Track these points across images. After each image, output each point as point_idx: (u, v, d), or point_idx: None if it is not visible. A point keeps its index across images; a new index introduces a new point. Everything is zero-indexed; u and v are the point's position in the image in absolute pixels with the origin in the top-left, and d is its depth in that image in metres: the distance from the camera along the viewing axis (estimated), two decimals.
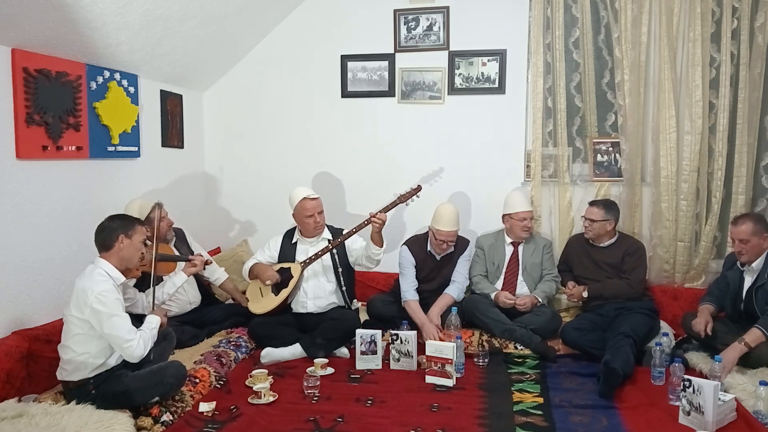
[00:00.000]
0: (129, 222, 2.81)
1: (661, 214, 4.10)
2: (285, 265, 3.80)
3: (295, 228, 3.93)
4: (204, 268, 3.46)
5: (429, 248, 3.98)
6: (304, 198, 3.76)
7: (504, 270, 4.01)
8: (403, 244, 4.05)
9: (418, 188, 3.84)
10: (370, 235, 3.66)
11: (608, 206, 3.88)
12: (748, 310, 3.34)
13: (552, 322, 3.75)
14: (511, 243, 4.04)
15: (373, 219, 3.61)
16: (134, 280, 3.23)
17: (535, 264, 4.01)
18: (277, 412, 2.90)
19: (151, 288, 3.01)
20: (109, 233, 2.74)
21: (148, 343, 2.70)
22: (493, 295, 3.88)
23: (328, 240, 3.82)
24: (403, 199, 3.80)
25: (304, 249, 3.84)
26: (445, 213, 3.86)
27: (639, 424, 2.76)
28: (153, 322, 2.80)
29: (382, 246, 3.68)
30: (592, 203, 3.94)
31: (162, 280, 3.31)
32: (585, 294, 3.80)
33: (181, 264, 3.38)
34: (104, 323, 2.58)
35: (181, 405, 2.84)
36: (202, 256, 3.53)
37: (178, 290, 3.35)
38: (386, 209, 3.72)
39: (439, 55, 4.44)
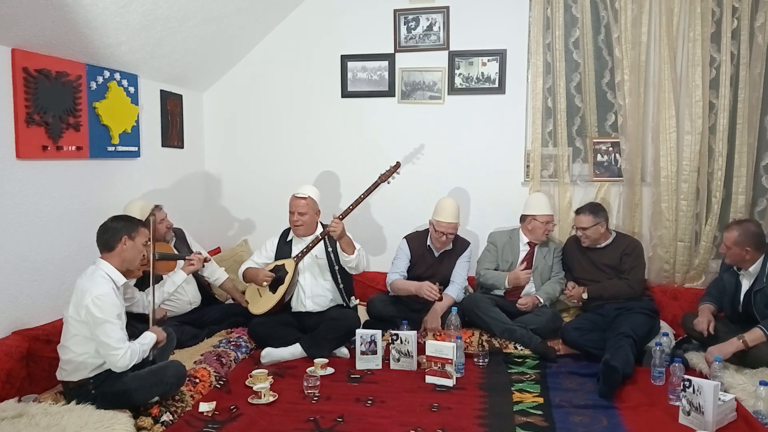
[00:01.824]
0: (132, 224, 2.80)
1: (661, 214, 4.10)
2: (279, 262, 3.81)
3: (290, 227, 3.94)
4: (203, 266, 3.44)
5: (428, 243, 4.01)
6: (293, 194, 3.80)
7: (517, 268, 4.01)
8: (404, 237, 4.13)
9: (397, 165, 3.92)
10: (339, 244, 3.66)
11: (594, 210, 3.86)
12: (747, 313, 3.34)
13: (552, 323, 3.76)
14: (528, 243, 4.05)
15: (328, 227, 3.60)
16: (135, 280, 3.23)
17: (546, 266, 4.02)
18: (277, 412, 2.90)
19: (151, 287, 3.00)
20: (113, 234, 2.73)
21: (136, 357, 2.65)
22: (507, 280, 3.89)
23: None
24: (384, 177, 3.88)
25: (299, 248, 3.84)
26: (447, 205, 3.92)
27: (639, 424, 2.76)
28: (147, 339, 2.76)
29: (352, 253, 3.66)
30: (578, 212, 3.92)
31: (162, 278, 3.31)
32: (585, 295, 3.80)
33: (181, 263, 3.38)
34: (97, 327, 2.57)
35: (181, 405, 2.84)
36: (200, 254, 3.51)
37: (178, 290, 3.35)
38: (369, 191, 3.81)
39: (439, 55, 4.45)
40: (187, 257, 3.35)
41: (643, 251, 3.96)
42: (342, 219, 3.61)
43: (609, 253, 3.87)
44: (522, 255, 4.04)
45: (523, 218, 4.07)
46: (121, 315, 2.69)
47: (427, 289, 3.76)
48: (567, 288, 3.92)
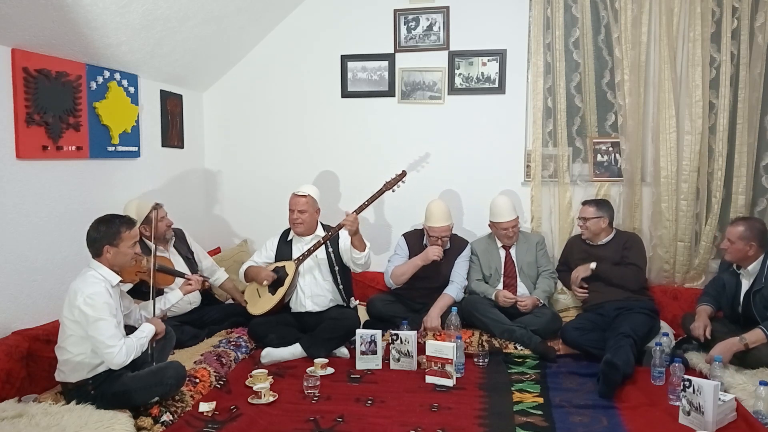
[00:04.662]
0: (114, 230, 2.70)
1: (661, 214, 4.10)
2: (279, 264, 3.81)
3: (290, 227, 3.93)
4: (202, 287, 3.35)
5: (425, 242, 4.03)
6: (293, 193, 3.80)
7: (502, 273, 4.02)
8: (402, 235, 4.16)
9: (403, 174, 3.89)
10: (350, 240, 3.65)
11: (600, 204, 3.91)
12: (747, 314, 3.33)
13: (552, 324, 3.75)
14: (502, 247, 4.06)
15: (343, 221, 3.59)
16: (130, 286, 3.20)
17: (530, 263, 4.03)
18: (277, 412, 2.90)
19: (152, 300, 2.96)
20: (94, 242, 2.69)
21: (133, 352, 2.64)
22: (493, 295, 3.89)
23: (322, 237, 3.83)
24: (389, 185, 3.85)
25: (300, 248, 3.84)
26: (435, 209, 3.94)
27: (639, 424, 2.76)
28: (145, 331, 2.75)
29: (363, 250, 3.66)
30: (584, 202, 3.97)
31: (163, 292, 3.27)
32: (593, 266, 3.78)
33: (179, 281, 3.28)
34: (89, 326, 2.56)
35: (181, 405, 2.84)
36: (199, 276, 3.38)
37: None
38: (373, 198, 3.78)
39: (439, 55, 4.44)
40: (186, 276, 3.27)
41: (643, 244, 3.96)
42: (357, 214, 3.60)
43: (610, 249, 3.88)
44: (503, 258, 4.04)
45: (489, 225, 4.08)
46: (117, 313, 2.67)
47: (432, 253, 3.81)
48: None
